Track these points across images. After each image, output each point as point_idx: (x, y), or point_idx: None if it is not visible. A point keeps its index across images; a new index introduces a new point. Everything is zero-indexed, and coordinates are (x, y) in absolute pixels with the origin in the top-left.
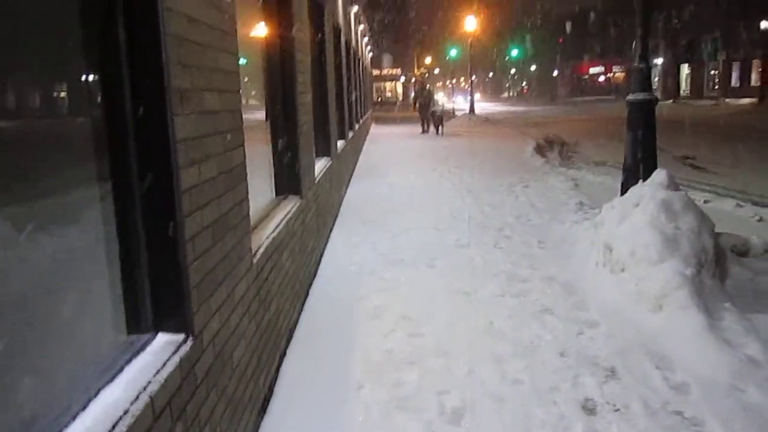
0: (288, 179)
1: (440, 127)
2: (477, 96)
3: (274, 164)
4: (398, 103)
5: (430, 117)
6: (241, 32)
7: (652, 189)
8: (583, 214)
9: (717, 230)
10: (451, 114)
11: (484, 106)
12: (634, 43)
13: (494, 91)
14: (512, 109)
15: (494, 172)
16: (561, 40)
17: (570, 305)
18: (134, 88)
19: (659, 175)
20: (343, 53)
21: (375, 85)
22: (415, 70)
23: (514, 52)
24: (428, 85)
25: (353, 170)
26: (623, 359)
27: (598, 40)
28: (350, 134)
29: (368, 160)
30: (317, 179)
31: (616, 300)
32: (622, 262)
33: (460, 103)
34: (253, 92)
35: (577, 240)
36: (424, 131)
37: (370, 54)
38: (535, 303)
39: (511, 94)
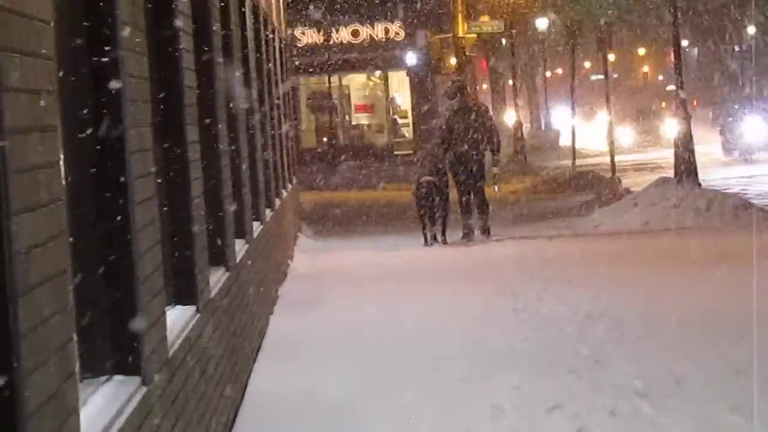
0: None
1: (444, 229)
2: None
3: None
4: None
5: (467, 200)
6: None
7: None
8: None
9: None
10: (615, 185)
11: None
12: None
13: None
14: None
15: None
16: None
17: None
18: None
19: None
20: None
21: (311, 88)
22: (459, 26)
23: None
24: (472, 99)
25: None
26: None
27: None
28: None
29: None
30: None
31: None
32: None
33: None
34: None
35: None
36: (466, 235)
37: None
38: None
39: None
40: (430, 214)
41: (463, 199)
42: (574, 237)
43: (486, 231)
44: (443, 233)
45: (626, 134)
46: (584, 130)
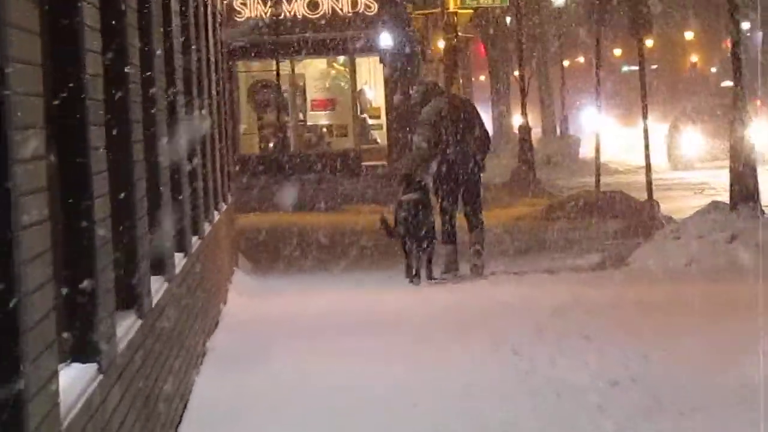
0: None
1: (429, 263)
2: None
3: None
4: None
5: (452, 224)
6: None
7: None
8: None
9: None
10: (652, 211)
11: None
12: None
13: None
14: None
15: None
16: None
17: None
18: None
19: None
20: None
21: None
22: None
23: None
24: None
25: None
26: None
27: None
28: None
29: None
30: None
31: None
32: None
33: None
34: None
35: None
36: (451, 268)
37: None
38: None
39: None
40: (416, 242)
41: (447, 223)
42: (595, 278)
43: (480, 266)
44: (428, 268)
45: (693, 142)
46: (622, 139)
